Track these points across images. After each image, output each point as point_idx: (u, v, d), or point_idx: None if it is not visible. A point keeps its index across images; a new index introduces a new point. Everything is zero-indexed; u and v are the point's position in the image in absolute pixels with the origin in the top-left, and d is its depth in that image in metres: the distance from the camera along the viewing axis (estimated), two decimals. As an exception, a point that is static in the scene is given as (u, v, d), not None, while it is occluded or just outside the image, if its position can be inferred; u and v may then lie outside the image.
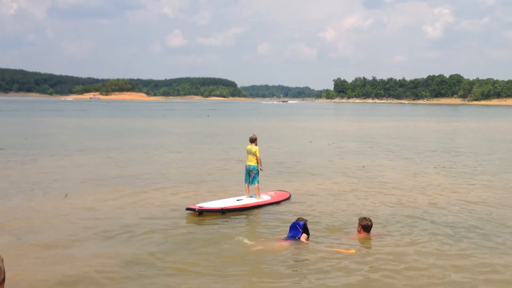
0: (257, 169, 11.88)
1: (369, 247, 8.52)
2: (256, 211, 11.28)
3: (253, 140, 11.91)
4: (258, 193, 11.86)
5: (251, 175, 11.89)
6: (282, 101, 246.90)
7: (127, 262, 7.56)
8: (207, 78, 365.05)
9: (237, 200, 11.65)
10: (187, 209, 10.69)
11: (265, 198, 12.01)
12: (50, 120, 51.92)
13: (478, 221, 10.26)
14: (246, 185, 11.94)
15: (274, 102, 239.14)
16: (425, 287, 6.77)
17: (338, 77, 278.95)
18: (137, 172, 16.42)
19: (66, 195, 12.40)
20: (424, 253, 8.15)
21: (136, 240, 8.83)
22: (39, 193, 12.77)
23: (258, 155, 11.86)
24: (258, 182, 11.89)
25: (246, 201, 11.61)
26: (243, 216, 10.80)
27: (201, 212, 10.58)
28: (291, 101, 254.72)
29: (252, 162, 11.87)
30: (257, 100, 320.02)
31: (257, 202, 11.63)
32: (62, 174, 15.84)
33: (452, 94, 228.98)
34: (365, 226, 9.00)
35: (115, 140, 28.39)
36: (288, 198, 12.39)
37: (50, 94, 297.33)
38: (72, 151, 22.34)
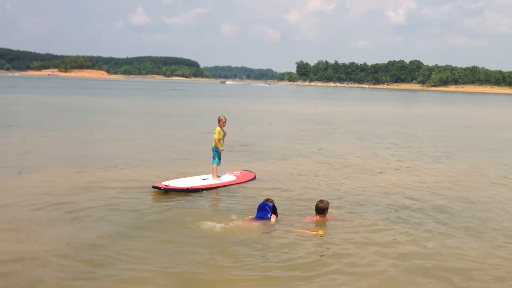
0: (215, 150, 12.15)
1: (322, 230, 8.56)
2: (220, 190, 11.49)
3: (218, 121, 12.21)
4: (214, 173, 12.06)
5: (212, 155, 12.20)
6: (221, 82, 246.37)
7: (81, 243, 7.52)
8: (169, 58, 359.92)
9: (203, 179, 11.89)
10: (153, 187, 10.89)
11: (231, 178, 12.28)
12: (7, 96, 50.54)
13: (435, 203, 10.71)
14: (214, 165, 12.18)
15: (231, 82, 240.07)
16: (380, 272, 6.85)
17: (301, 60, 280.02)
18: (99, 152, 16.40)
19: (20, 172, 12.31)
20: (377, 234, 8.36)
21: (93, 219, 8.81)
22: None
23: (214, 136, 12.15)
24: (216, 163, 12.10)
25: (211, 181, 11.86)
26: (208, 196, 11.00)
27: (167, 191, 10.80)
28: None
29: (213, 143, 12.19)
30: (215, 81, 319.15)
31: (222, 183, 11.87)
32: (20, 152, 15.59)
33: (412, 80, 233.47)
34: (320, 208, 9.04)
35: (75, 119, 28.06)
36: (253, 179, 12.68)
37: (7, 69, 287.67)
38: (29, 129, 22.05)
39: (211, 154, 12.36)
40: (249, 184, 12.20)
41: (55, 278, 6.34)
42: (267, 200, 9.12)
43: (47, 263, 6.78)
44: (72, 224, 8.51)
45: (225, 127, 12.32)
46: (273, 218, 8.87)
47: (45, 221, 8.62)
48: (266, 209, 8.91)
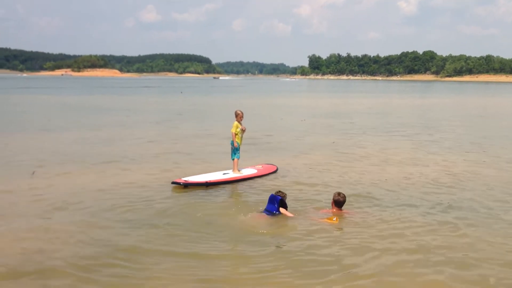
0: (232, 144, 12.22)
1: (339, 224, 8.52)
2: (240, 184, 11.56)
3: (235, 116, 12.28)
4: (234, 167, 12.15)
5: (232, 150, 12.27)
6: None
7: (101, 242, 7.61)
8: (181, 55, 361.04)
9: (223, 174, 11.98)
10: (173, 183, 11.01)
11: (252, 171, 12.35)
12: (25, 97, 51.07)
13: (451, 196, 10.59)
14: (234, 159, 12.24)
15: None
16: (393, 263, 6.82)
17: (312, 53, 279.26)
18: (116, 150, 16.55)
19: (33, 173, 12.36)
20: (392, 228, 8.27)
21: (114, 216, 8.92)
22: (6, 172, 12.57)
23: (232, 130, 12.22)
24: (236, 157, 12.16)
25: (231, 175, 11.95)
26: (227, 189, 11.09)
27: (186, 186, 10.90)
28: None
29: (231, 138, 12.26)
30: (231, 76, 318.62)
31: (242, 176, 11.95)
32: (36, 153, 15.71)
33: (426, 71, 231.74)
34: (337, 202, 9.05)
35: (92, 118, 28.32)
36: (274, 172, 12.73)
37: (21, 70, 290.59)
38: (45, 129, 22.32)
39: (229, 149, 12.43)
40: (270, 177, 12.26)
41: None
42: (277, 192, 9.10)
43: (65, 264, 6.78)
44: (90, 223, 8.56)
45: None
46: (282, 211, 8.83)
47: (64, 221, 8.58)
48: (273, 203, 8.85)
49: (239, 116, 12.24)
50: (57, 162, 14.05)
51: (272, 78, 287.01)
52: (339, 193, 9.21)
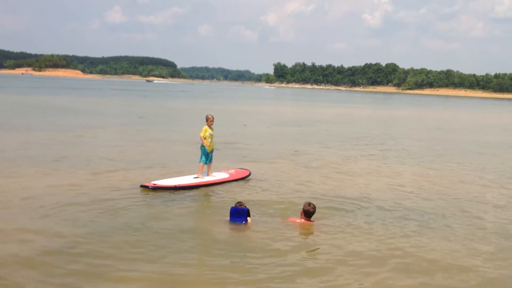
0: (201, 148, 12.38)
1: (308, 233, 8.76)
2: (209, 189, 11.70)
3: (206, 120, 12.51)
4: (199, 171, 12.27)
5: None
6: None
7: (63, 244, 7.67)
8: (146, 58, 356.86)
9: (194, 178, 12.10)
10: (141, 186, 11.14)
11: (223, 176, 12.56)
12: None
13: (414, 206, 11.00)
14: (200, 163, 12.38)
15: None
16: (362, 274, 7.01)
17: (278, 61, 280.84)
18: (81, 153, 16.53)
19: None
20: (360, 240, 8.41)
21: (78, 219, 8.95)
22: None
23: (200, 134, 12.42)
24: (202, 161, 12.31)
25: (201, 179, 12.08)
26: (195, 194, 11.24)
27: (155, 189, 11.03)
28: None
29: (201, 142, 12.47)
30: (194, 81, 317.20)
31: (213, 180, 12.12)
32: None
33: (388, 83, 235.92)
34: (307, 212, 9.06)
35: (55, 119, 27.99)
36: (247, 177, 12.91)
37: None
38: (5, 130, 22.02)
39: (199, 153, 12.54)
40: (241, 183, 12.44)
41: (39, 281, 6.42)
42: (240, 204, 9.11)
43: (28, 265, 6.86)
44: (57, 225, 8.58)
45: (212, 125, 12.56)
46: (249, 220, 8.91)
47: (20, 224, 8.56)
48: (240, 215, 8.88)
49: (209, 120, 12.44)
50: (18, 163, 13.92)
51: (237, 84, 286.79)
52: (309, 203, 9.22)
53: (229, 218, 9.04)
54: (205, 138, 12.32)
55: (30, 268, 6.78)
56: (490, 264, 7.65)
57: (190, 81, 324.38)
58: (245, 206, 9.06)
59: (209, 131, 12.41)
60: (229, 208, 9.20)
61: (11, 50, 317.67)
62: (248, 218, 8.94)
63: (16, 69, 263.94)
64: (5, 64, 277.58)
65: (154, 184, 11.14)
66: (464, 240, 8.66)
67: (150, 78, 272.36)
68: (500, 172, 16.18)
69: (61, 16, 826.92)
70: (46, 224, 8.59)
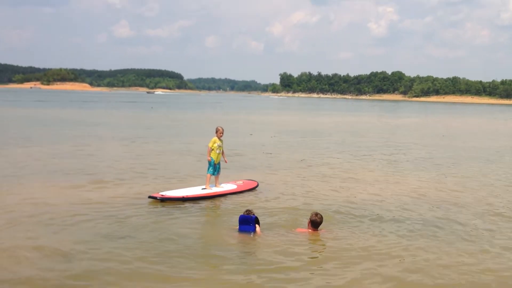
0: (208, 160, 12.50)
1: (315, 243, 8.79)
2: (218, 200, 11.76)
3: (215, 132, 12.61)
4: (206, 183, 12.35)
5: None
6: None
7: (69, 253, 7.84)
8: (153, 70, 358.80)
9: (202, 189, 12.18)
10: (149, 197, 11.25)
11: (231, 187, 12.61)
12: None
13: (424, 214, 10.99)
14: (207, 175, 12.51)
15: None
16: (368, 283, 7.03)
17: (284, 71, 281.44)
18: (91, 164, 16.68)
19: None
20: (368, 249, 8.38)
21: (87, 228, 9.11)
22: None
23: (208, 145, 12.51)
24: (209, 172, 12.41)
25: (209, 190, 12.17)
26: (204, 205, 11.34)
27: (163, 200, 11.16)
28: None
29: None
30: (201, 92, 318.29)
31: (221, 191, 12.19)
32: (8, 167, 15.63)
33: (394, 91, 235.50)
34: (314, 222, 9.11)
35: (63, 132, 28.17)
36: (255, 188, 12.94)
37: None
38: (15, 143, 22.24)
39: (206, 164, 12.61)
40: (248, 194, 12.48)
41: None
42: (248, 212, 9.16)
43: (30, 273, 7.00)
44: (64, 235, 8.72)
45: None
46: (258, 230, 8.95)
47: (30, 236, 8.65)
48: (249, 223, 8.93)
49: (218, 132, 12.52)
50: (30, 176, 14.08)
51: (244, 94, 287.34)
52: (316, 213, 9.26)
53: (238, 226, 9.11)
54: (212, 150, 12.41)
55: (41, 278, 6.87)
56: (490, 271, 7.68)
57: (197, 92, 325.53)
58: (253, 214, 9.13)
59: (218, 142, 12.47)
60: (238, 217, 9.29)
61: (19, 64, 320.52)
62: (257, 225, 9.00)
63: (25, 83, 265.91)
64: (13, 79, 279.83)
65: (162, 195, 11.25)
66: (479, 254, 8.50)
67: (151, 90, 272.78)
68: (510, 179, 16.09)
69: (69, 30, 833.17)
70: (55, 235, 8.71)
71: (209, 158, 12.37)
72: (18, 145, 21.19)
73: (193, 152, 20.20)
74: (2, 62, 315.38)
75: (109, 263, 7.49)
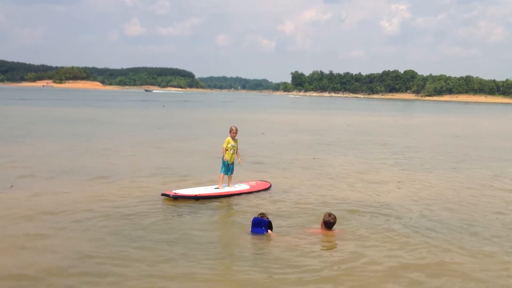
0: (222, 159, 12.38)
1: (329, 243, 8.67)
2: (230, 199, 11.64)
3: (229, 131, 12.47)
4: (219, 182, 12.24)
5: None
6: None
7: (82, 252, 7.74)
8: (165, 68, 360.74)
9: (215, 188, 12.09)
10: (162, 194, 11.18)
11: (244, 187, 12.48)
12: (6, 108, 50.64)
13: (438, 215, 10.83)
14: (220, 174, 12.40)
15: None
16: (383, 284, 6.91)
17: (295, 70, 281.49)
18: (104, 163, 16.65)
19: (11, 186, 12.18)
20: (384, 250, 8.23)
21: (100, 227, 9.04)
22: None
23: (223, 145, 12.37)
24: (222, 172, 12.30)
25: (222, 189, 12.06)
26: (216, 204, 11.20)
27: (176, 198, 11.07)
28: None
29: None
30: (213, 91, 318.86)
31: (233, 191, 12.07)
32: (18, 166, 15.46)
33: (406, 90, 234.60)
34: (327, 223, 9.02)
35: (76, 130, 28.26)
36: (267, 188, 12.78)
37: (1, 81, 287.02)
38: (32, 141, 22.25)
39: (220, 164, 12.50)
40: (261, 194, 12.31)
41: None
42: (262, 215, 9.03)
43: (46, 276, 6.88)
44: (79, 234, 8.68)
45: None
46: (270, 233, 8.79)
47: (45, 234, 8.61)
48: (261, 226, 8.80)
49: (232, 132, 12.38)
50: (43, 175, 14.07)
51: (255, 93, 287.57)
52: (329, 214, 9.15)
53: (250, 229, 8.97)
54: (226, 150, 12.27)
55: (54, 276, 6.80)
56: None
57: (208, 90, 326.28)
58: (267, 218, 8.97)
59: (232, 142, 12.34)
60: (251, 219, 9.16)
61: (32, 63, 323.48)
62: (269, 230, 8.84)
63: (37, 81, 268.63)
64: (26, 77, 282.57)
65: (175, 193, 11.17)
66: (497, 255, 8.30)
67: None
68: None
69: (80, 28, 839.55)
70: (66, 233, 8.66)
71: (225, 158, 12.23)
72: (32, 144, 21.17)
73: (207, 151, 20.03)
74: (15, 60, 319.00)
75: (120, 261, 7.40)
